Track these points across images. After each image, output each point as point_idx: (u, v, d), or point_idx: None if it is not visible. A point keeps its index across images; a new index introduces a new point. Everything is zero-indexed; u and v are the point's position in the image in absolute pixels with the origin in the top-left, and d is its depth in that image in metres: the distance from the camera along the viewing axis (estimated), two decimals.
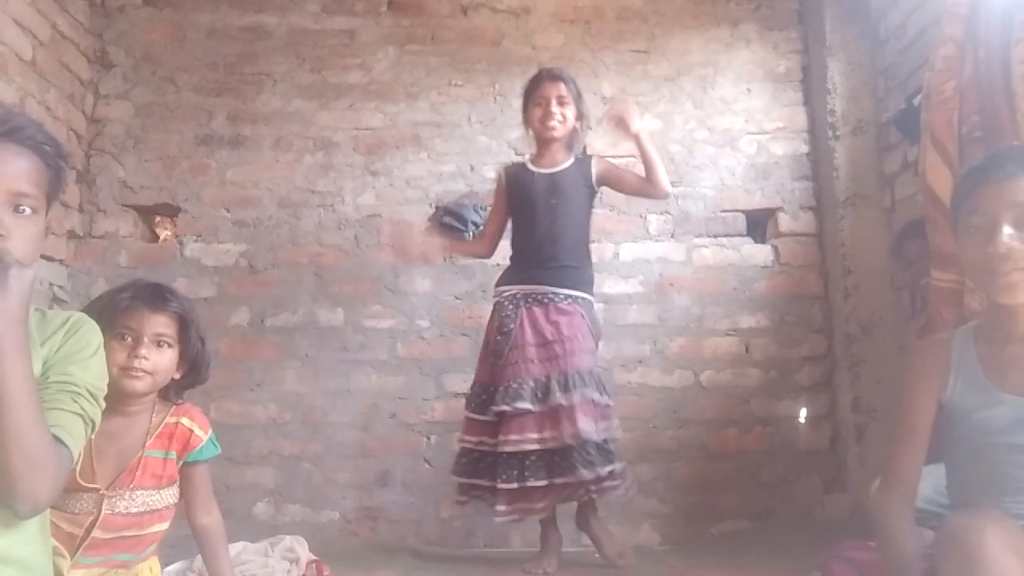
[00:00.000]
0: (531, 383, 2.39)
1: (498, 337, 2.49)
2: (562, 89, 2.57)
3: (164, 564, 1.74)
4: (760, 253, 3.29)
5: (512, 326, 2.47)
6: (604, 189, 2.71)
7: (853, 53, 3.22)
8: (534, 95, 2.61)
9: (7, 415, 0.99)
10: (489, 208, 2.83)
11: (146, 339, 1.51)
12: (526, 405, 2.35)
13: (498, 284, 2.63)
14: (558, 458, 2.33)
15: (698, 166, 3.34)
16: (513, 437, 2.34)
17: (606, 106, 2.66)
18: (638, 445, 3.06)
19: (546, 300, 2.49)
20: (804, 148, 3.36)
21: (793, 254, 3.27)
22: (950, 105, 2.24)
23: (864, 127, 3.18)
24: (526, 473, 2.33)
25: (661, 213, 3.29)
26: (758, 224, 3.38)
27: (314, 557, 2.20)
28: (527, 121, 2.66)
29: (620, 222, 3.23)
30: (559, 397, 2.34)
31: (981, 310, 1.83)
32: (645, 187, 2.62)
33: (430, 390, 3.12)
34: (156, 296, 1.54)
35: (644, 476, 3.06)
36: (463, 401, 3.07)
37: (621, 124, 2.58)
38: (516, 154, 3.18)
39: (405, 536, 2.99)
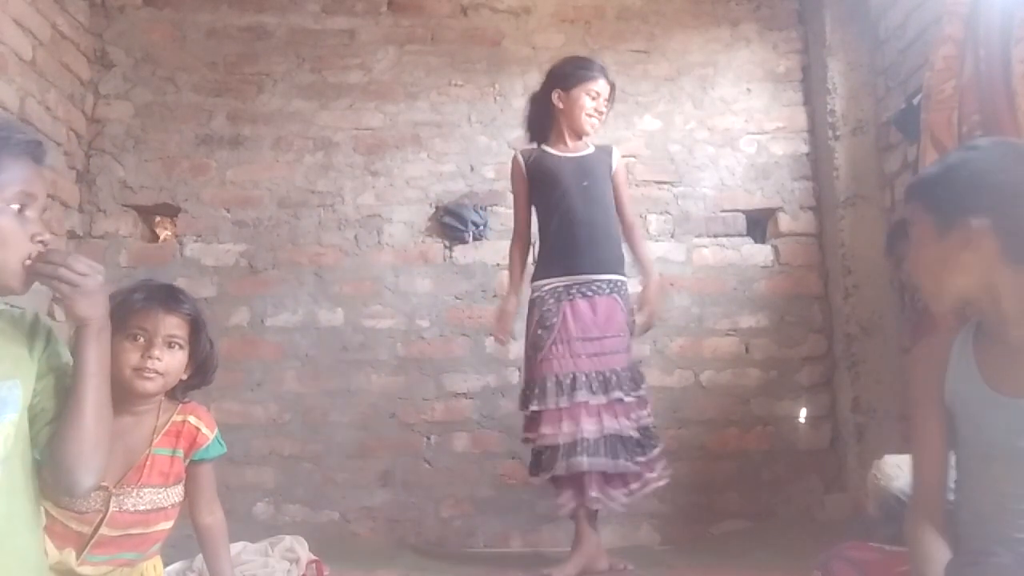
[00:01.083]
0: (584, 377, 2.37)
1: (539, 331, 2.44)
2: (610, 93, 2.58)
3: (165, 564, 1.73)
4: (760, 253, 3.29)
5: (555, 320, 2.42)
6: None
7: (853, 53, 3.22)
8: (588, 85, 2.53)
9: (90, 391, 1.18)
10: (513, 198, 2.68)
11: (159, 340, 1.51)
12: (584, 397, 2.35)
13: (535, 278, 2.55)
14: (620, 446, 2.36)
15: (698, 166, 3.34)
16: (586, 425, 2.33)
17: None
18: None
19: (589, 292, 2.46)
20: (804, 148, 3.36)
21: (793, 254, 3.27)
22: (950, 105, 2.24)
23: (864, 127, 3.18)
24: (582, 458, 2.31)
25: (661, 213, 3.30)
26: (758, 224, 3.38)
27: (314, 557, 2.19)
28: (567, 102, 2.54)
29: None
30: (618, 392, 2.37)
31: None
32: (625, 232, 2.62)
33: (430, 390, 3.12)
34: (170, 297, 1.55)
35: None
36: (463, 401, 3.10)
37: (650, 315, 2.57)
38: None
39: (405, 536, 2.99)
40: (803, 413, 3.16)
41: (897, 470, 1.92)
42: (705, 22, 3.44)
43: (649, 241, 3.26)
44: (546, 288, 2.49)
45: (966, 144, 1.39)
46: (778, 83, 3.41)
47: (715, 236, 3.29)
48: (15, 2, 2.67)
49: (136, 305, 1.49)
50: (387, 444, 3.08)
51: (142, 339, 1.50)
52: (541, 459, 2.41)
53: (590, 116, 2.55)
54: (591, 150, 2.60)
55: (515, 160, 2.63)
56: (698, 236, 3.29)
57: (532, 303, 2.52)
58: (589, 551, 2.38)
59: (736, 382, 3.17)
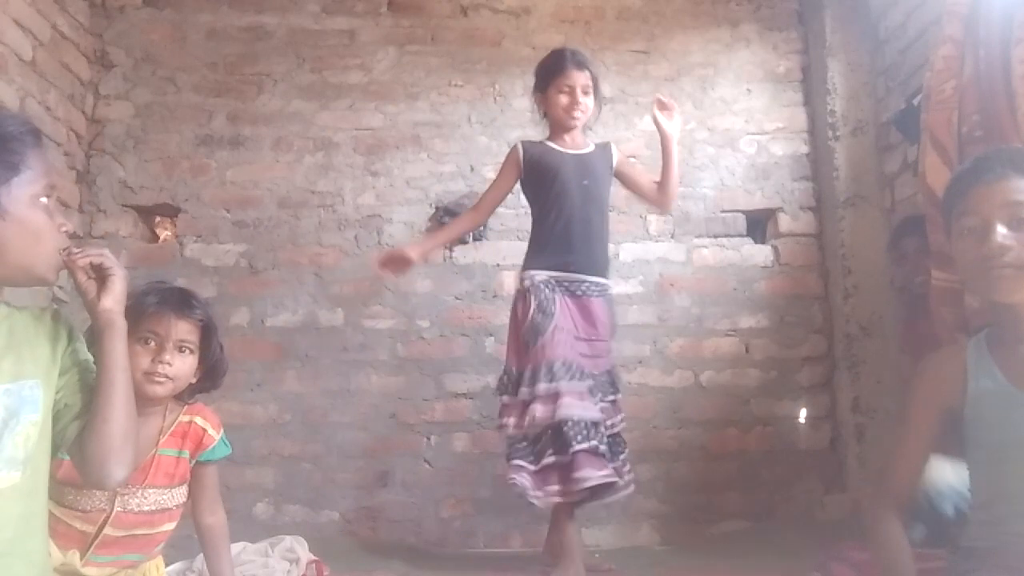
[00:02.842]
0: (582, 369, 2.38)
1: (539, 316, 2.38)
2: (587, 78, 2.51)
3: (166, 563, 1.74)
4: (760, 253, 3.29)
5: (554, 308, 2.39)
6: None
7: (853, 53, 3.22)
8: (558, 80, 2.50)
9: (121, 385, 1.18)
10: (495, 179, 2.64)
11: (170, 345, 1.50)
12: (588, 383, 2.36)
13: (526, 267, 2.51)
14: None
15: (698, 166, 3.34)
16: (585, 403, 2.32)
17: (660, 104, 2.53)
18: (638, 445, 3.05)
19: (579, 292, 2.45)
20: (804, 148, 3.36)
21: (793, 254, 3.27)
22: (950, 105, 2.23)
23: (864, 127, 3.18)
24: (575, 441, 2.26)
25: (661, 213, 3.29)
26: (758, 224, 3.38)
27: (314, 557, 2.20)
28: (546, 104, 2.55)
29: (620, 222, 3.23)
30: (611, 393, 2.46)
31: (981, 309, 1.83)
32: (655, 194, 2.59)
33: (430, 390, 3.12)
34: (182, 302, 1.54)
35: (644, 476, 3.06)
36: (463, 401, 3.09)
37: (665, 115, 2.50)
38: None
39: (405, 536, 2.99)
40: (803, 413, 3.16)
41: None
42: (705, 22, 3.44)
43: (649, 241, 3.27)
44: (539, 279, 2.44)
45: (989, 149, 1.45)
46: (778, 83, 3.41)
47: (715, 236, 3.29)
48: (15, 2, 2.67)
49: (148, 309, 1.49)
50: (387, 444, 3.08)
51: (153, 343, 1.50)
52: (516, 447, 2.35)
53: (569, 109, 2.50)
54: (591, 148, 2.58)
55: (515, 149, 2.58)
56: (698, 236, 3.29)
57: (525, 291, 2.45)
58: (575, 551, 2.32)
59: (736, 382, 3.17)
